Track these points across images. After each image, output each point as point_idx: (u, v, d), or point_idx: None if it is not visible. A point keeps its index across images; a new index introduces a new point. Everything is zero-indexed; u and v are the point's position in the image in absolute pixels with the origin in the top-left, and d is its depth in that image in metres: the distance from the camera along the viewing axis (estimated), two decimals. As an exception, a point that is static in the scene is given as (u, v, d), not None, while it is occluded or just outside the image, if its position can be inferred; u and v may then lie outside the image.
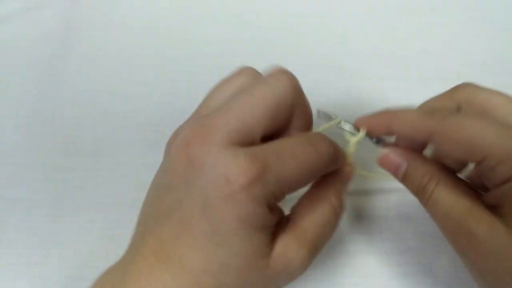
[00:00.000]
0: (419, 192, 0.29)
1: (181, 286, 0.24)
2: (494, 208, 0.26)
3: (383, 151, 0.31)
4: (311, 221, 0.28)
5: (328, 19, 0.50)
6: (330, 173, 0.30)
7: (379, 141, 0.32)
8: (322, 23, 0.50)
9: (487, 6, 0.50)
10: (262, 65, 0.47)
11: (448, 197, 0.27)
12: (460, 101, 0.30)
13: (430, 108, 0.31)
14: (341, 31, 0.49)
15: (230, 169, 0.24)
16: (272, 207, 0.26)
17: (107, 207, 0.39)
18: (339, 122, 0.32)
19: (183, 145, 0.26)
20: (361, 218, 0.38)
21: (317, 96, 0.44)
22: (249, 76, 0.30)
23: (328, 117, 0.32)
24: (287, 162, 0.25)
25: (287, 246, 0.27)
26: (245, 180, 0.24)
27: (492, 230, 0.25)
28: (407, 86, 0.45)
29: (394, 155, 0.30)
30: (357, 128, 0.32)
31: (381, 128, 0.30)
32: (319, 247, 0.28)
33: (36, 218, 0.38)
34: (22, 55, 0.48)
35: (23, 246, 0.37)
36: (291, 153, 0.26)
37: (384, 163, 0.31)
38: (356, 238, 0.37)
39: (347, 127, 0.32)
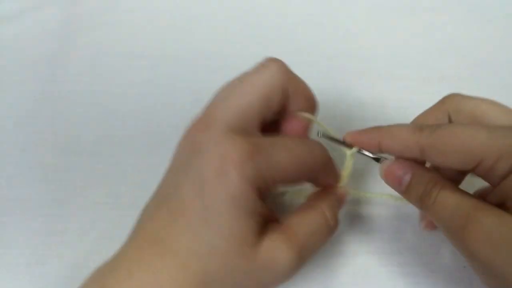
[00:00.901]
0: (423, 198, 0.28)
1: (169, 269, 0.25)
2: (498, 206, 0.26)
3: (386, 163, 0.31)
4: (302, 225, 0.28)
5: (328, 19, 0.50)
6: (324, 190, 0.32)
7: (378, 158, 0.32)
8: (322, 23, 0.50)
9: (487, 6, 0.50)
10: (262, 65, 0.47)
11: (454, 196, 0.27)
12: (449, 111, 0.31)
13: (420, 123, 0.31)
14: (341, 31, 0.49)
15: (226, 148, 0.25)
16: (263, 196, 0.26)
17: (107, 207, 0.39)
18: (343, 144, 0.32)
19: (187, 133, 0.28)
20: (361, 217, 0.38)
21: (317, 96, 0.44)
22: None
23: (328, 136, 0.33)
24: (280, 151, 0.27)
25: (276, 243, 0.27)
26: (238, 156, 0.25)
27: (501, 219, 0.25)
28: (407, 86, 0.45)
29: (397, 166, 0.30)
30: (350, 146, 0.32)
31: (372, 146, 0.31)
32: (307, 254, 0.28)
33: (36, 218, 0.38)
34: (22, 55, 0.48)
35: (23, 246, 0.37)
36: (284, 145, 0.27)
37: (388, 176, 0.30)
38: (356, 238, 0.37)
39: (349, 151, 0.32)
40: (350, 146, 0.32)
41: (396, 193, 0.37)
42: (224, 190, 0.25)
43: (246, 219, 0.26)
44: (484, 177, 0.27)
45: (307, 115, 0.32)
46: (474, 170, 0.27)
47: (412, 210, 0.38)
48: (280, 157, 0.27)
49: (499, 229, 0.25)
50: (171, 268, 0.25)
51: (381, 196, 0.38)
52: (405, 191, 0.30)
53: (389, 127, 0.30)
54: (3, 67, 0.47)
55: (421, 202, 0.29)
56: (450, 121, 0.32)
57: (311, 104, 0.33)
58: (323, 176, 0.31)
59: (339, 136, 0.32)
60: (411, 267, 0.35)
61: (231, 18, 0.50)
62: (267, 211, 0.27)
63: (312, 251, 0.29)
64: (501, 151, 0.25)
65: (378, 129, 0.30)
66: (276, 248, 0.27)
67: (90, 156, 0.41)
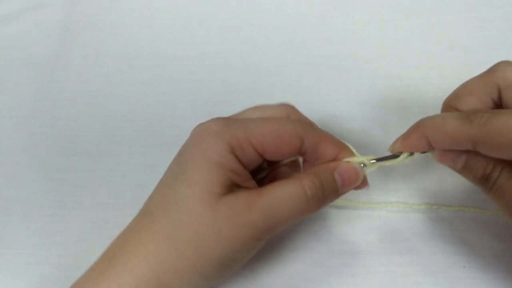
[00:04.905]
0: (482, 181, 0.28)
1: (135, 221, 0.29)
2: None
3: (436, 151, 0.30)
4: (272, 188, 0.28)
5: (328, 19, 0.50)
6: (318, 165, 0.30)
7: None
8: (322, 23, 0.50)
9: (487, 6, 0.49)
10: (262, 65, 0.47)
11: None
12: (499, 85, 0.29)
13: (466, 111, 0.29)
14: (341, 31, 0.49)
15: (207, 124, 0.29)
16: (239, 158, 0.28)
17: (107, 207, 0.39)
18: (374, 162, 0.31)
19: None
20: (361, 218, 0.38)
21: (317, 96, 0.44)
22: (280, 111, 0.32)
23: (374, 159, 0.31)
24: (257, 120, 0.29)
25: (238, 198, 0.27)
26: (214, 125, 0.28)
27: None
28: (407, 86, 0.45)
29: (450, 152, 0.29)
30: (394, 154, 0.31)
31: (419, 147, 0.29)
32: (272, 217, 0.27)
33: (36, 218, 0.38)
34: (22, 55, 0.48)
35: (23, 246, 0.37)
36: (262, 118, 0.30)
37: (443, 157, 0.29)
38: (356, 238, 0.37)
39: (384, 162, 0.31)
40: (398, 155, 0.30)
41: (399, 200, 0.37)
42: (197, 146, 0.28)
43: (213, 170, 0.27)
44: None
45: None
46: None
47: (411, 210, 0.38)
48: (256, 123, 0.29)
49: None
50: (138, 218, 0.29)
51: (393, 205, 0.38)
52: (463, 171, 0.29)
53: (433, 119, 0.29)
54: (3, 67, 0.47)
55: (480, 183, 0.28)
56: (500, 95, 0.29)
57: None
58: (314, 147, 0.30)
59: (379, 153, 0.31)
60: (411, 267, 0.35)
61: (231, 18, 0.50)
62: (244, 173, 0.29)
63: (280, 217, 0.28)
64: None
65: (420, 126, 0.29)
66: (236, 201, 0.27)
67: (90, 156, 0.41)
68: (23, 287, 0.35)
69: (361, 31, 0.49)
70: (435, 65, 0.46)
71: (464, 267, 0.35)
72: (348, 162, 0.30)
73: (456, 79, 0.45)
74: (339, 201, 0.37)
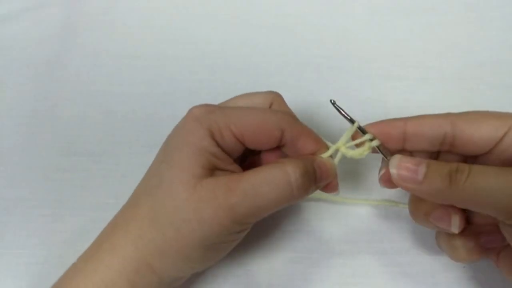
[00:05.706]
0: (451, 179, 0.27)
1: (123, 207, 0.31)
2: None
3: (396, 157, 0.29)
4: (253, 174, 0.28)
5: (328, 19, 0.50)
6: (301, 155, 0.31)
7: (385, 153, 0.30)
8: (322, 23, 0.50)
9: (487, 6, 0.50)
10: (262, 65, 0.47)
11: (490, 169, 0.26)
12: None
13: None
14: (341, 31, 0.49)
15: (191, 110, 0.30)
16: (219, 143, 0.29)
17: (107, 207, 0.38)
18: (357, 126, 0.31)
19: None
20: (361, 218, 0.38)
21: (317, 96, 0.44)
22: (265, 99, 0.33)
23: (339, 109, 0.31)
24: (241, 109, 0.31)
25: (218, 181, 0.28)
26: (197, 111, 0.30)
27: None
28: (407, 86, 0.45)
29: (410, 158, 0.29)
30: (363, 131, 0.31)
31: (395, 134, 0.30)
32: (253, 204, 0.27)
33: (36, 218, 0.38)
34: (22, 55, 0.48)
35: (23, 246, 0.37)
36: (246, 107, 0.31)
37: (401, 168, 0.28)
38: (356, 238, 0.37)
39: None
40: (364, 132, 0.31)
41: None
42: (180, 131, 0.30)
43: (193, 152, 0.28)
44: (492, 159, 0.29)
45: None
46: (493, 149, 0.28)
47: (412, 210, 0.38)
48: (238, 111, 0.30)
49: None
50: (126, 205, 0.31)
51: (393, 205, 0.38)
52: (424, 180, 0.28)
53: (414, 116, 0.30)
54: (3, 67, 0.47)
55: (449, 183, 0.26)
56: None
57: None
58: (294, 140, 0.30)
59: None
60: (411, 267, 0.35)
61: (231, 18, 0.50)
62: (225, 158, 0.29)
63: (261, 202, 0.28)
64: None
65: (402, 118, 0.30)
66: (217, 184, 0.27)
67: (90, 156, 0.41)
68: (23, 287, 0.35)
69: (361, 31, 0.49)
70: (435, 65, 0.46)
71: (464, 267, 0.35)
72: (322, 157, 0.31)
73: (456, 79, 0.45)
74: (339, 198, 0.37)
